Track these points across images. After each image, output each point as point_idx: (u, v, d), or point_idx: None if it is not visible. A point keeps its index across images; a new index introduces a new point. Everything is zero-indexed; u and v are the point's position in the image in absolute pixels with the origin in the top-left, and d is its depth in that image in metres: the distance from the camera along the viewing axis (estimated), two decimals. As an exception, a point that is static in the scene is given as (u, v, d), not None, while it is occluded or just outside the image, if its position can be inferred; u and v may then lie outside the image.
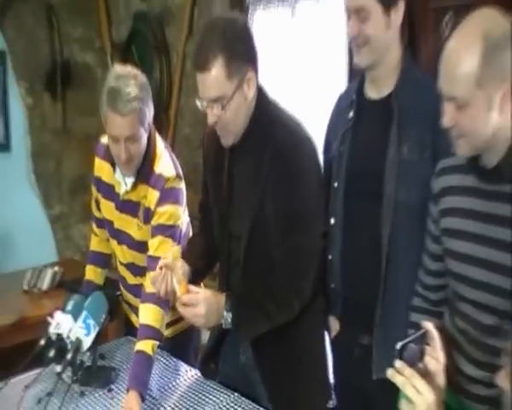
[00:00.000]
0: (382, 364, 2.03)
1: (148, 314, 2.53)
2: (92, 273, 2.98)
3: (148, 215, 2.65)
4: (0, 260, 4.73)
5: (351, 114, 2.38)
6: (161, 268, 2.28)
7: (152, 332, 2.51)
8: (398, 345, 1.51)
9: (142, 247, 2.71)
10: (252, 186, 2.25)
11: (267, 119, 2.25)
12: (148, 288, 2.49)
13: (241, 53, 2.15)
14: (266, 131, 2.23)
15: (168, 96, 4.73)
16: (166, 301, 2.51)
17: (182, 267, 2.28)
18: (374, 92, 2.35)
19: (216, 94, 2.14)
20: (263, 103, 2.28)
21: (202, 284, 2.62)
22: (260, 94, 2.27)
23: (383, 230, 2.24)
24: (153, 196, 2.63)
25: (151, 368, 2.47)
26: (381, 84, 2.32)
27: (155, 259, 2.44)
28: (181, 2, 4.39)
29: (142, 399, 2.34)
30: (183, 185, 2.66)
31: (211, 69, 2.11)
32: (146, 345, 2.48)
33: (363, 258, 2.33)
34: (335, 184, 2.38)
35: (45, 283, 3.85)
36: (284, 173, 2.18)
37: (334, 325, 2.49)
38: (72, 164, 5.28)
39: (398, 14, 2.25)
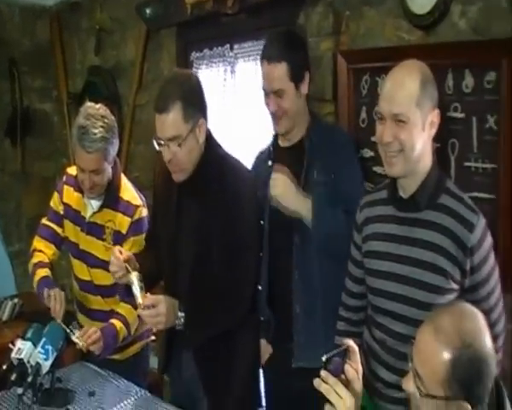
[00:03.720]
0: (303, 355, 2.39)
1: (124, 310, 2.69)
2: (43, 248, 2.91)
3: (119, 238, 2.72)
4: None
5: (269, 162, 2.55)
6: (121, 253, 2.37)
7: (123, 320, 2.68)
8: (324, 358, 1.50)
9: (105, 264, 2.72)
10: (199, 218, 2.35)
11: (217, 160, 2.38)
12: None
13: (196, 102, 2.29)
14: (217, 172, 2.35)
15: (119, 142, 4.72)
16: None
17: (139, 275, 2.31)
18: (286, 142, 2.55)
19: (173, 133, 2.23)
20: (213, 145, 2.41)
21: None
22: (210, 138, 2.40)
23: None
24: (124, 221, 2.72)
25: (116, 340, 2.63)
26: (292, 138, 2.52)
27: None
28: (132, 58, 4.37)
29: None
30: (146, 212, 2.75)
31: (170, 111, 2.21)
32: (117, 322, 2.64)
33: (286, 282, 2.45)
34: (262, 222, 2.49)
35: (6, 313, 3.82)
36: (230, 209, 2.31)
37: (267, 348, 2.58)
38: (30, 205, 5.15)
39: (305, 85, 2.45)
